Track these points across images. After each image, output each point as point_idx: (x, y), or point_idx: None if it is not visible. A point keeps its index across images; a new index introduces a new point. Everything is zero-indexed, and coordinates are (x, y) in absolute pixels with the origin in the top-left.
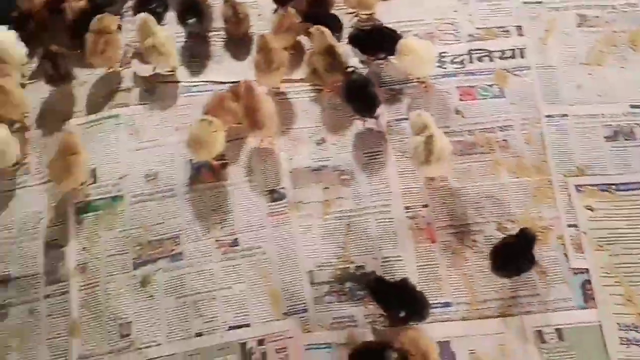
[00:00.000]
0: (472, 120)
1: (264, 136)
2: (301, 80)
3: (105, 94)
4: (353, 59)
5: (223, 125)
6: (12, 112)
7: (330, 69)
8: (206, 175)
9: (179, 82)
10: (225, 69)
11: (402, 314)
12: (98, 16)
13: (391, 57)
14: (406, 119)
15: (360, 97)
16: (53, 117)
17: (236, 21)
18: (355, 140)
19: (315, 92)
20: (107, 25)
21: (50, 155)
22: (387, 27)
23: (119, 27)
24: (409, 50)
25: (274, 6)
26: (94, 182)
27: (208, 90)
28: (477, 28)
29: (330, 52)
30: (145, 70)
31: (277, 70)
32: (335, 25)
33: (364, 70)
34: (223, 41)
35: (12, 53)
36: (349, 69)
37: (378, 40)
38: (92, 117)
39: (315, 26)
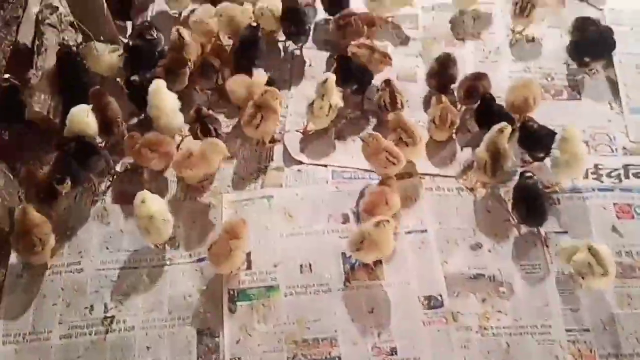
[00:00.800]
0: (630, 240)
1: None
2: (453, 177)
3: (255, 169)
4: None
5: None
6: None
7: (492, 169)
8: (360, 271)
9: (328, 165)
10: None
11: None
12: (263, 89)
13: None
14: (566, 232)
15: (531, 205)
16: (199, 189)
17: (392, 109)
18: (512, 249)
19: (467, 190)
20: (268, 99)
21: (197, 231)
22: (546, 127)
23: (279, 103)
24: (573, 139)
25: (424, 93)
26: (249, 268)
27: (359, 178)
28: (632, 142)
29: (495, 152)
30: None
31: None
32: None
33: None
34: (373, 125)
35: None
36: (527, 174)
37: (539, 139)
38: (245, 194)
39: (502, 124)
